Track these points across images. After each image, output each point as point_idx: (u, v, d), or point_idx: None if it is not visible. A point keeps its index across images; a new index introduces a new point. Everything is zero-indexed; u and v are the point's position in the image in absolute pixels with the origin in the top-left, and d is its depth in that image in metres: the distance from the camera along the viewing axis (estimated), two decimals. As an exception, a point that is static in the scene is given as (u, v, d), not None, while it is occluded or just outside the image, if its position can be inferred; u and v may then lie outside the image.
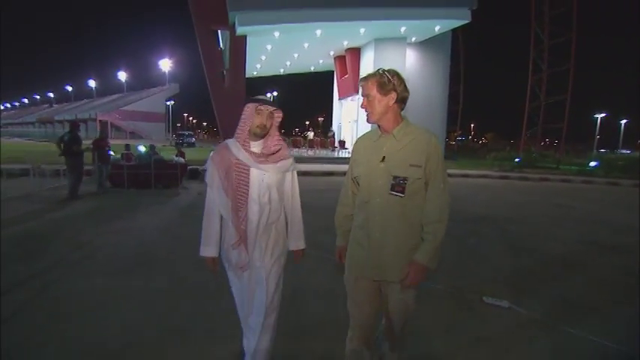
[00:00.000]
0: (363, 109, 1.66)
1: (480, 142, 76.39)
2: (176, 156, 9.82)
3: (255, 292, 1.86)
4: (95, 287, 3.23)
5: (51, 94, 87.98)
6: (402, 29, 17.53)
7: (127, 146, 10.04)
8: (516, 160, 18.44)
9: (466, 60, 29.27)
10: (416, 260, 1.61)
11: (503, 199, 9.42)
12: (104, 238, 4.73)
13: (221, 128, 15.05)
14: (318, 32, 16.02)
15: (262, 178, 1.79)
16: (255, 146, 1.81)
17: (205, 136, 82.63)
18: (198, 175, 10.43)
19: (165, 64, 53.61)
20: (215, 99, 14.50)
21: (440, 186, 1.62)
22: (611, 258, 4.56)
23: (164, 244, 4.55)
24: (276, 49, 17.67)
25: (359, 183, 1.71)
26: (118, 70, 64.79)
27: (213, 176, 1.85)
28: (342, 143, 21.52)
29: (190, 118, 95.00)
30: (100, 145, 8.14)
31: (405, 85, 1.63)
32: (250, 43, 15.48)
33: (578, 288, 3.58)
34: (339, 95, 24.02)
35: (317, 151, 20.36)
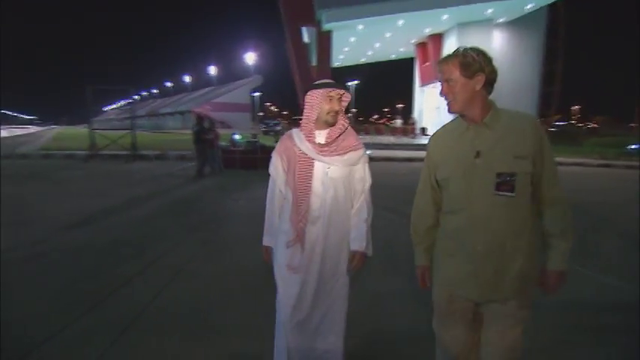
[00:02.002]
0: (443, 97, 1.38)
1: (587, 126, 66.38)
2: (275, 142, 11.43)
3: (306, 295, 1.71)
4: (243, 231, 4.63)
5: (155, 90, 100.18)
6: (489, 11, 16.98)
7: (234, 134, 11.98)
8: (632, 146, 15.88)
9: (568, 35, 26.46)
10: (552, 270, 1.37)
11: (591, 185, 9.11)
12: (237, 202, 6.30)
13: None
14: (400, 22, 16.43)
15: (327, 171, 1.66)
16: (320, 135, 1.69)
17: (287, 124, 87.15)
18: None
19: (251, 58, 57.00)
20: (304, 92, 16.01)
21: (556, 179, 1.37)
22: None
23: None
24: (358, 40, 18.53)
25: (446, 187, 1.42)
26: (209, 65, 71.16)
27: (277, 167, 1.76)
28: (423, 130, 21.66)
29: (272, 107, 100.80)
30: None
31: (493, 65, 1.35)
32: (334, 36, 16.54)
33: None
34: (421, 82, 23.95)
35: (399, 138, 21.03)
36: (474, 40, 18.00)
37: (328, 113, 1.65)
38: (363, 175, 1.75)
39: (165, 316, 2.61)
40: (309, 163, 1.66)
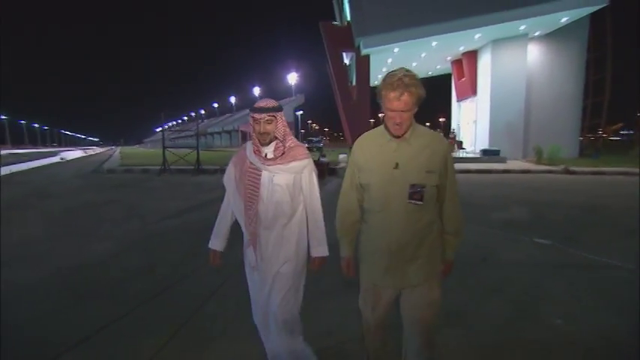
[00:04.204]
0: (397, 126, 1.52)
1: None
2: (321, 157, 12.95)
3: (262, 293, 1.90)
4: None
5: (203, 111, 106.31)
6: (522, 27, 17.46)
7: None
8: None
9: (616, 41, 25.34)
10: (447, 260, 1.71)
11: (617, 192, 9.49)
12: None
13: (349, 135, 17.90)
14: (434, 43, 17.48)
15: (271, 179, 1.81)
16: (268, 149, 1.83)
17: (328, 140, 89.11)
18: (335, 171, 13.42)
19: (293, 78, 59.11)
20: (344, 110, 17.50)
21: (455, 189, 1.65)
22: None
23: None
24: (395, 61, 19.70)
25: (367, 190, 1.63)
26: (253, 86, 74.77)
27: (229, 176, 1.92)
28: (459, 144, 22.11)
29: (313, 125, 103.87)
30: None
31: None
32: (372, 59, 17.90)
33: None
34: (457, 97, 24.52)
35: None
36: (508, 55, 18.63)
37: (257, 134, 1.81)
38: (307, 183, 1.88)
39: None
40: (257, 173, 1.82)
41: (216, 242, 2.00)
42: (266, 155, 1.82)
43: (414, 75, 1.49)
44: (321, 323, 2.73)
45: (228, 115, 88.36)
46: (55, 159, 26.53)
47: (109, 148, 79.08)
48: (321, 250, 1.92)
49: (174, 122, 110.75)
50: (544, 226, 5.70)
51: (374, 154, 1.61)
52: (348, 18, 17.54)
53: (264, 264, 1.86)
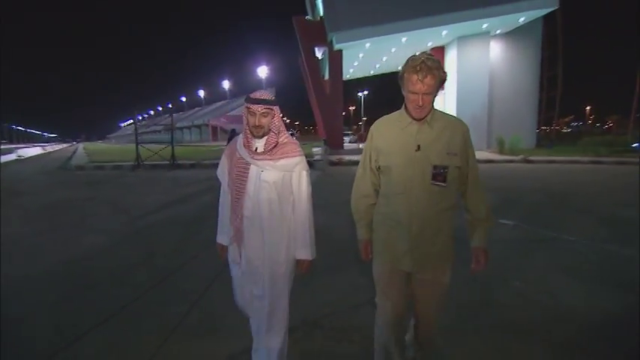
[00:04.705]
0: (420, 109, 1.51)
1: (604, 126, 66.68)
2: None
3: (253, 291, 1.83)
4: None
5: (170, 105, 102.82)
6: (484, 25, 18.48)
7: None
8: (634, 145, 16.76)
9: (566, 41, 27.44)
10: (480, 247, 1.67)
11: (569, 178, 10.50)
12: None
13: (324, 127, 18.27)
14: (404, 39, 18.11)
15: (259, 175, 1.73)
16: (259, 143, 1.75)
17: (299, 134, 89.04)
18: (311, 164, 13.79)
19: (263, 71, 58.15)
20: (318, 104, 17.82)
21: (476, 173, 1.63)
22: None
23: (322, 197, 7.60)
24: (366, 56, 20.23)
25: (387, 173, 1.62)
26: (222, 79, 73.10)
27: (222, 169, 1.87)
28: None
29: (284, 118, 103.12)
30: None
31: None
32: (344, 53, 18.32)
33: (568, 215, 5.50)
34: (425, 91, 25.39)
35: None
36: (472, 51, 19.62)
37: (252, 126, 1.71)
38: (297, 181, 1.78)
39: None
40: (245, 166, 1.74)
41: (222, 237, 1.93)
42: (256, 149, 1.75)
43: (436, 59, 1.51)
44: (319, 296, 3.04)
45: (197, 108, 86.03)
46: (12, 156, 24.67)
47: (70, 144, 74.81)
48: (305, 253, 1.82)
49: (141, 117, 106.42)
50: (508, 209, 6.32)
51: (394, 137, 1.60)
52: (321, 13, 17.82)
53: (248, 264, 1.79)
